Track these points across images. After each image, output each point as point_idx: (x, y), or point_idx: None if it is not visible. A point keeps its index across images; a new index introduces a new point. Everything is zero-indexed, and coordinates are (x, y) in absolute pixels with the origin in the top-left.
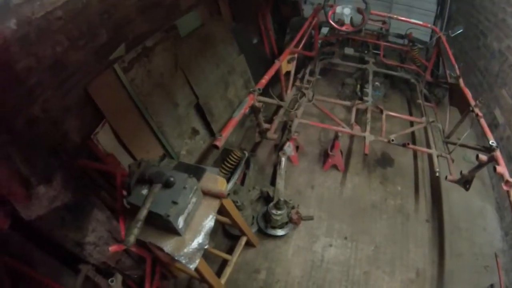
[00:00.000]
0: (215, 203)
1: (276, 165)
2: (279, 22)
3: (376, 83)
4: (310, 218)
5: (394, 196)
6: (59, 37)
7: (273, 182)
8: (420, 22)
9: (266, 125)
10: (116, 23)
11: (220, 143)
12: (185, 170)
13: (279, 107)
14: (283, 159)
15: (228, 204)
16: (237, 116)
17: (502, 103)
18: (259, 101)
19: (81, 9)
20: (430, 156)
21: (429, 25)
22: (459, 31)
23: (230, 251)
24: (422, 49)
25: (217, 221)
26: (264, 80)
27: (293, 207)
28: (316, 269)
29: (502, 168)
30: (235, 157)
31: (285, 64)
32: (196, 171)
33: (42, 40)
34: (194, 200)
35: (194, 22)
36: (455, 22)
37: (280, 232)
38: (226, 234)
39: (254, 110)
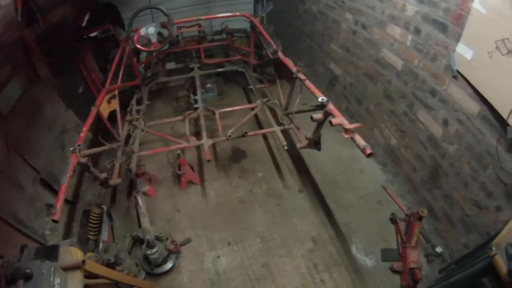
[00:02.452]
0: (78, 274)
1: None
2: (105, 60)
3: (208, 85)
4: (188, 241)
5: (258, 183)
6: None
7: (140, 224)
8: (229, 14)
9: (103, 175)
10: None
11: (57, 216)
12: (44, 254)
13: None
14: (139, 198)
15: (93, 268)
16: (65, 182)
17: (334, 56)
18: (86, 156)
19: None
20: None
21: (238, 14)
22: (270, 8)
23: None
24: (243, 37)
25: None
26: (83, 134)
27: (166, 238)
28: (217, 284)
29: (338, 119)
30: (95, 215)
31: (106, 105)
32: (51, 252)
33: None
34: (58, 281)
35: (15, 93)
36: (273, 0)
37: (167, 266)
38: None
39: (83, 167)
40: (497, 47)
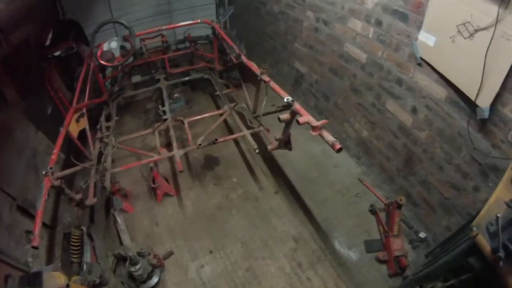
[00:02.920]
0: None
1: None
2: (71, 78)
3: (176, 94)
4: (171, 253)
5: (233, 188)
6: None
7: (121, 241)
8: (190, 22)
9: (78, 196)
10: None
11: (36, 242)
12: (27, 282)
13: None
14: (117, 215)
15: None
16: (40, 206)
17: (298, 54)
18: (59, 178)
19: None
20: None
21: (199, 21)
22: (231, 12)
23: None
24: (206, 43)
25: None
26: (54, 156)
27: (149, 253)
28: None
29: (304, 118)
30: (75, 237)
31: (75, 125)
32: (35, 279)
33: None
34: None
35: None
36: (235, 4)
37: (152, 282)
38: None
39: (57, 189)
40: (459, 31)
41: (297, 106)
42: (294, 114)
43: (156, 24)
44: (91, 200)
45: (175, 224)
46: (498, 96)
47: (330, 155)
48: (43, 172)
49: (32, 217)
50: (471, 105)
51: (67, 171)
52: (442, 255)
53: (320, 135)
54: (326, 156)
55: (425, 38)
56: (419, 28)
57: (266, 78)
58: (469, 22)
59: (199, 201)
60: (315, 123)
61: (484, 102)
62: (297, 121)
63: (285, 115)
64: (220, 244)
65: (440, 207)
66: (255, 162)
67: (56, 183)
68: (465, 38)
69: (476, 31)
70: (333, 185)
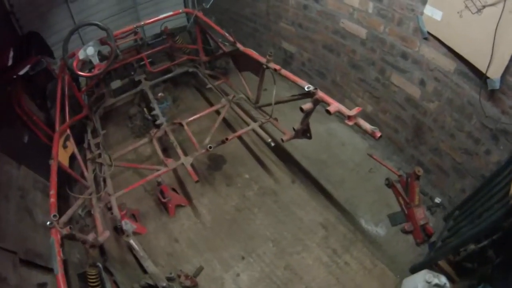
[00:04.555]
0: None
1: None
2: (43, 96)
3: (160, 94)
4: (201, 269)
5: (248, 186)
6: None
7: (143, 268)
8: (171, 13)
9: (91, 236)
10: None
11: None
12: None
13: None
14: (132, 242)
15: None
16: (58, 269)
17: (285, 34)
18: (65, 224)
19: None
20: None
21: (181, 11)
22: None
23: None
24: (184, 35)
25: None
26: (52, 199)
27: (178, 276)
28: None
29: (334, 107)
30: (92, 276)
31: (63, 153)
32: None
33: None
34: None
35: None
36: None
37: None
38: None
39: (68, 238)
40: (467, 7)
41: (320, 94)
42: (317, 102)
43: (122, 22)
44: (103, 236)
45: (196, 236)
46: (506, 67)
47: (334, 134)
48: (48, 224)
49: (39, 266)
50: (482, 76)
51: (70, 211)
52: (468, 221)
53: (357, 124)
54: (331, 136)
55: (431, 13)
56: (424, 2)
57: (275, 66)
58: None
59: (215, 206)
60: (348, 112)
61: (495, 73)
62: (328, 111)
63: (308, 105)
64: (250, 248)
65: (453, 172)
66: (263, 154)
67: (66, 231)
68: (473, 13)
69: (484, 7)
70: (345, 164)
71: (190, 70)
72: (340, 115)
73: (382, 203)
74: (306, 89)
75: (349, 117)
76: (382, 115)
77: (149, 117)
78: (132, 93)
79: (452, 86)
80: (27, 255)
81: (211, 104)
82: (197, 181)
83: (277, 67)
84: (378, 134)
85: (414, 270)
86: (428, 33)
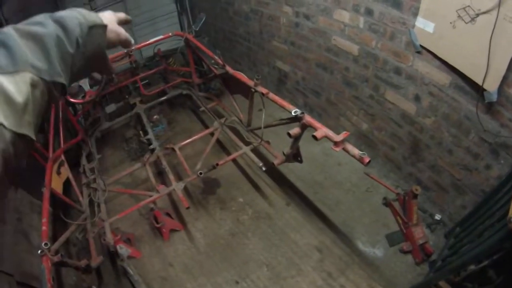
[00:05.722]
0: None
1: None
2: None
3: (155, 116)
4: None
5: (242, 210)
6: None
7: None
8: (161, 37)
9: (83, 262)
10: None
11: None
12: None
13: None
14: (126, 267)
15: None
16: None
17: (278, 53)
18: (56, 254)
19: None
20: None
21: (171, 34)
22: (203, 19)
23: None
24: (178, 56)
25: None
26: (44, 227)
27: None
28: None
29: (321, 132)
30: None
31: (57, 179)
32: None
33: None
34: None
35: None
36: (199, 9)
37: None
38: None
39: (59, 265)
40: (459, 16)
41: (308, 118)
42: (305, 127)
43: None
44: (96, 261)
45: (190, 260)
46: (503, 78)
47: (330, 153)
48: (39, 252)
49: None
50: (478, 89)
51: (62, 238)
52: (469, 239)
53: (344, 149)
54: (327, 156)
55: (423, 25)
56: (415, 14)
57: (263, 89)
58: (469, 6)
59: (209, 230)
60: (335, 137)
61: (491, 85)
62: (314, 137)
63: (295, 130)
64: (244, 273)
65: (452, 188)
66: (258, 176)
67: (57, 259)
68: (466, 23)
69: (478, 15)
70: (341, 185)
71: (184, 92)
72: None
73: (379, 223)
74: (293, 114)
75: (336, 143)
76: (377, 133)
77: (145, 141)
78: (127, 117)
79: (448, 101)
80: (24, 277)
81: (206, 126)
82: (187, 208)
83: (265, 91)
84: (367, 159)
85: None
86: (421, 46)
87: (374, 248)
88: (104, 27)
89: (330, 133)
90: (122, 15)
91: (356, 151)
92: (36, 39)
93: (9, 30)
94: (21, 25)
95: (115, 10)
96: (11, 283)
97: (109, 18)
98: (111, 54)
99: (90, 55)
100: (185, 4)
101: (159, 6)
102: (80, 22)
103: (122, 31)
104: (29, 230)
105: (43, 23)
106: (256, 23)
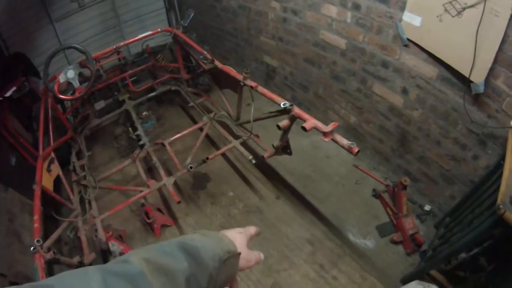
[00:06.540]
0: None
1: None
2: (29, 117)
3: (144, 113)
4: None
5: (233, 204)
6: None
7: None
8: (150, 32)
9: (75, 259)
10: None
11: None
12: None
13: None
14: None
15: None
16: None
17: (266, 48)
18: (49, 249)
19: None
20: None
21: (159, 30)
22: (191, 16)
23: None
24: (167, 52)
25: None
26: (36, 224)
27: None
28: None
29: (310, 123)
30: None
31: (47, 176)
32: None
33: None
34: None
35: None
36: (187, 6)
37: None
38: None
39: (52, 262)
40: (446, 10)
41: (297, 110)
42: (294, 119)
43: (107, 40)
44: (89, 258)
45: None
46: (490, 69)
47: (319, 146)
48: (32, 249)
49: None
50: (465, 81)
51: (54, 235)
52: (458, 227)
53: (333, 139)
54: (315, 148)
55: (410, 19)
56: (402, 8)
57: (251, 83)
58: (455, 0)
59: (200, 225)
60: (324, 128)
61: (478, 77)
62: (304, 128)
63: (285, 122)
64: None
65: (441, 179)
66: (247, 170)
67: (50, 256)
68: (453, 17)
69: (464, 8)
70: (331, 178)
71: (173, 88)
72: None
73: (370, 215)
74: (282, 106)
75: (325, 134)
76: (366, 126)
77: (134, 137)
78: (116, 113)
79: (435, 93)
80: (17, 278)
81: (195, 122)
82: (178, 202)
83: (254, 84)
84: (356, 149)
85: (405, 281)
86: (408, 40)
87: (365, 240)
88: (238, 255)
89: (319, 124)
90: (253, 230)
91: (345, 141)
92: (168, 275)
93: (139, 262)
94: (151, 254)
95: (103, 7)
96: (4, 283)
97: (240, 242)
98: (101, 49)
99: (219, 285)
100: (173, 0)
101: (147, 3)
102: (214, 254)
103: (252, 258)
104: (21, 230)
105: (174, 256)
106: (243, 18)
